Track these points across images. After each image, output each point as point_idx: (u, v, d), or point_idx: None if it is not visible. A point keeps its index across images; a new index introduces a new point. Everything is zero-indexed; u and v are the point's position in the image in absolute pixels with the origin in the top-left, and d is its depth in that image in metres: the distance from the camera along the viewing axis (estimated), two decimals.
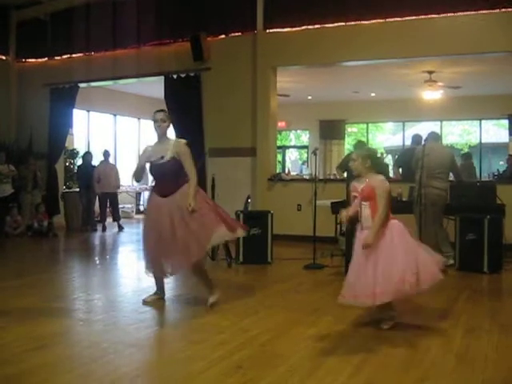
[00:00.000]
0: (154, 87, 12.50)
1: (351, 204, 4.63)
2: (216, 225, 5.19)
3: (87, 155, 12.47)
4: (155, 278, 5.54)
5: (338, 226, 8.29)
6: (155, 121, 5.33)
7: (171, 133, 8.61)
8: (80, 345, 4.15)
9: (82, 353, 3.94)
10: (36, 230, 10.90)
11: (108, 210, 12.36)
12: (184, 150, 5.28)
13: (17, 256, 9.18)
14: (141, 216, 15.04)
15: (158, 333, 4.47)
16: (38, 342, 4.11)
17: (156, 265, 5.31)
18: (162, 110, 5.48)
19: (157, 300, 5.54)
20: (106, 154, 12.36)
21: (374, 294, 4.23)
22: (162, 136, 5.38)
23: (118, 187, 12.43)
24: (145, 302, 5.48)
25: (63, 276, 6.79)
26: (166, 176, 5.24)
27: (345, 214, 4.62)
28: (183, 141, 5.42)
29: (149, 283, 6.62)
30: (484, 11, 8.81)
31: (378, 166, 4.62)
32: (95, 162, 12.34)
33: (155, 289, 5.59)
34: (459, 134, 19.88)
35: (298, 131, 21.20)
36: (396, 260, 4.27)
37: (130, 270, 7.62)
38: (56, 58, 12.36)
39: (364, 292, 4.28)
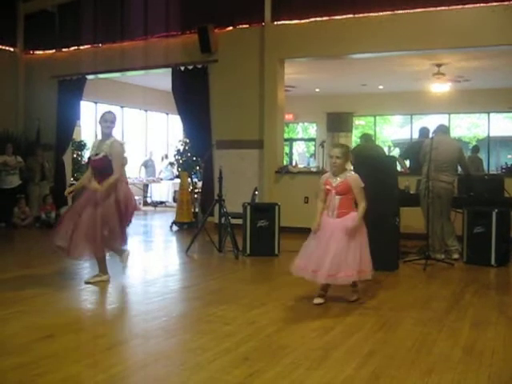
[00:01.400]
0: (162, 79, 12.52)
1: (320, 196, 5.13)
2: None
3: None
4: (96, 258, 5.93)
5: None
6: (105, 121, 5.73)
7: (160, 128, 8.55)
8: (87, 335, 4.16)
9: (89, 343, 3.95)
10: (44, 222, 10.93)
11: None
12: (116, 151, 5.67)
13: (24, 247, 9.23)
14: (148, 208, 15.10)
15: (164, 324, 4.47)
16: (44, 332, 4.13)
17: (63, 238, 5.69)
18: (111, 112, 5.86)
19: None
20: None
21: (359, 272, 4.90)
22: (108, 135, 5.77)
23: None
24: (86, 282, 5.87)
25: (70, 267, 6.81)
26: (96, 170, 5.74)
27: (317, 224, 5.04)
28: (119, 141, 5.89)
29: (155, 275, 6.67)
30: (493, 4, 8.75)
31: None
32: None
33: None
34: (467, 127, 19.79)
35: (306, 124, 21.17)
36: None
37: (136, 261, 7.64)
38: (64, 49, 12.38)
39: (347, 270, 4.85)
